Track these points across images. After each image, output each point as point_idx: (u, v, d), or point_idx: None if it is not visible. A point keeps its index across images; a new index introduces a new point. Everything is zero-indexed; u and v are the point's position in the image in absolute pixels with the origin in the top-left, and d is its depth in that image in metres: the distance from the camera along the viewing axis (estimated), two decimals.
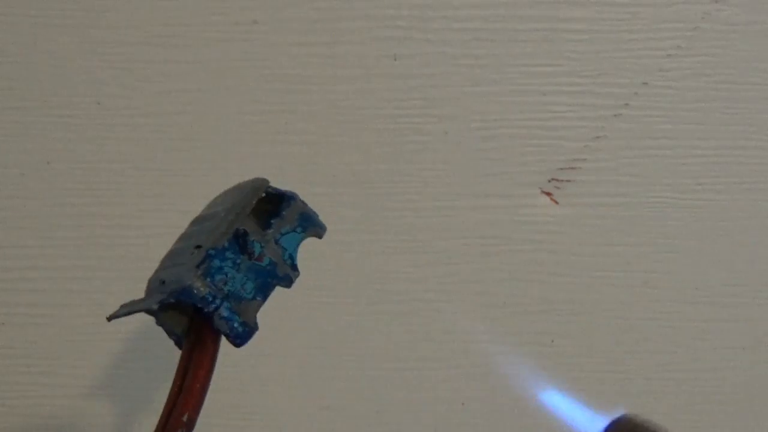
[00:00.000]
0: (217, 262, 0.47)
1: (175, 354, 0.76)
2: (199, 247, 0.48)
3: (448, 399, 0.78)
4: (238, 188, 0.51)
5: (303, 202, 0.51)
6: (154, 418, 0.79)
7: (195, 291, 0.46)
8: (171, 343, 0.49)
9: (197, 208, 0.75)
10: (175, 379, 0.47)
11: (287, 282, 0.49)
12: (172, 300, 0.46)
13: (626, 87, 0.74)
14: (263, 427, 0.78)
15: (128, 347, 0.76)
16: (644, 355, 0.78)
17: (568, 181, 0.75)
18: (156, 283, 0.48)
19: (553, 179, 0.75)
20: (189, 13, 0.73)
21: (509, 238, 0.76)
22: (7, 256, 0.76)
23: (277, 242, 0.49)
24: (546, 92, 0.74)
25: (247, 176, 0.75)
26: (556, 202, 0.75)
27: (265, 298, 0.49)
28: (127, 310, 0.48)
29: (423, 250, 0.76)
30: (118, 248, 0.75)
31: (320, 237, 0.52)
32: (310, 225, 0.51)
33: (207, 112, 0.74)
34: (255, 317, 0.48)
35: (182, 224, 0.76)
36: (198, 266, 0.46)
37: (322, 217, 0.75)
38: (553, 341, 0.77)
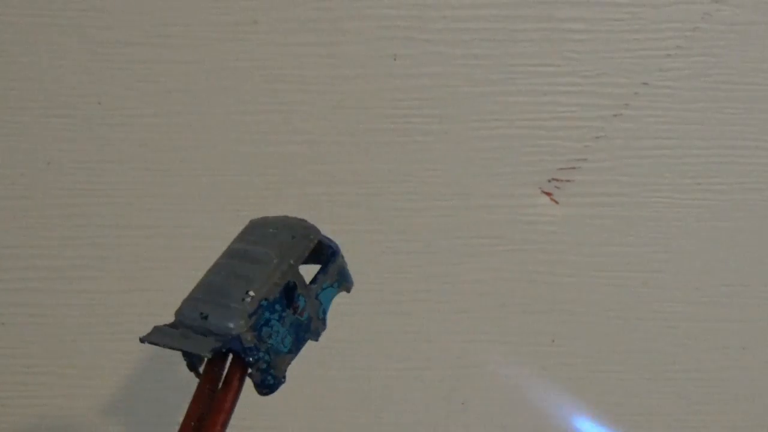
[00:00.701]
0: (267, 315, 0.48)
1: (174, 355, 0.76)
2: (249, 293, 0.48)
3: (448, 399, 0.78)
4: (287, 227, 0.52)
5: (343, 256, 0.53)
6: (154, 418, 0.79)
7: (243, 342, 0.48)
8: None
9: (197, 207, 0.75)
10: (191, 408, 0.48)
11: (316, 336, 0.51)
12: (223, 350, 0.48)
13: (626, 87, 0.74)
14: (263, 427, 0.78)
15: (128, 347, 0.76)
16: (644, 355, 0.78)
17: (568, 181, 0.75)
18: (195, 313, 0.49)
19: (553, 179, 0.75)
20: (189, 13, 0.73)
21: (509, 238, 0.76)
22: (7, 256, 0.76)
23: (317, 297, 0.51)
24: (546, 92, 0.74)
25: (247, 176, 0.75)
26: (556, 202, 0.75)
27: (297, 352, 0.50)
28: (174, 344, 0.49)
29: (423, 250, 0.76)
30: (118, 248, 0.75)
31: (349, 291, 0.53)
32: (344, 281, 0.52)
33: (207, 112, 0.74)
34: (285, 371, 0.50)
35: (182, 224, 0.76)
36: (250, 316, 0.48)
37: (322, 217, 0.76)
38: (553, 341, 0.77)
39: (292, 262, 0.49)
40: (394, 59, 0.73)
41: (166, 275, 0.75)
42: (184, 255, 0.75)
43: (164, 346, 0.49)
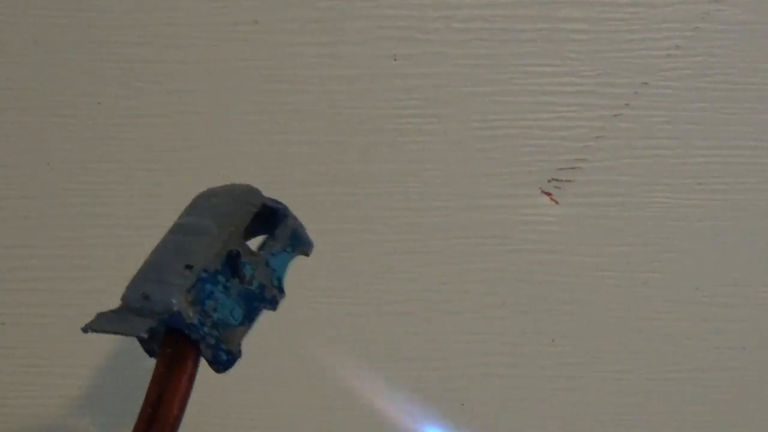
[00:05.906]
0: (208, 287, 0.46)
1: None
2: (189, 267, 0.46)
3: (448, 399, 0.78)
4: (229, 195, 0.49)
5: (294, 217, 0.50)
6: None
7: (185, 318, 0.45)
8: None
9: None
10: (148, 393, 0.46)
11: (273, 305, 0.48)
12: (161, 328, 0.45)
13: (626, 87, 0.74)
14: (263, 427, 0.78)
15: (128, 347, 0.76)
16: (644, 355, 0.78)
17: (568, 181, 0.75)
18: (137, 294, 0.47)
19: (553, 179, 0.75)
20: (189, 13, 0.73)
21: (509, 238, 0.76)
22: (7, 256, 0.76)
23: (267, 264, 0.48)
24: (546, 92, 0.74)
25: (247, 176, 0.75)
26: (556, 202, 0.75)
27: (251, 323, 0.47)
28: (112, 328, 0.46)
29: (423, 250, 0.76)
30: (118, 248, 0.75)
31: (308, 255, 0.50)
32: (300, 244, 0.49)
33: (207, 112, 0.74)
34: (240, 344, 0.47)
35: None
36: (189, 290, 0.45)
37: (322, 217, 0.76)
38: (553, 341, 0.77)
39: (233, 229, 0.47)
40: (394, 59, 0.73)
41: None
42: None
43: (104, 331, 0.46)
